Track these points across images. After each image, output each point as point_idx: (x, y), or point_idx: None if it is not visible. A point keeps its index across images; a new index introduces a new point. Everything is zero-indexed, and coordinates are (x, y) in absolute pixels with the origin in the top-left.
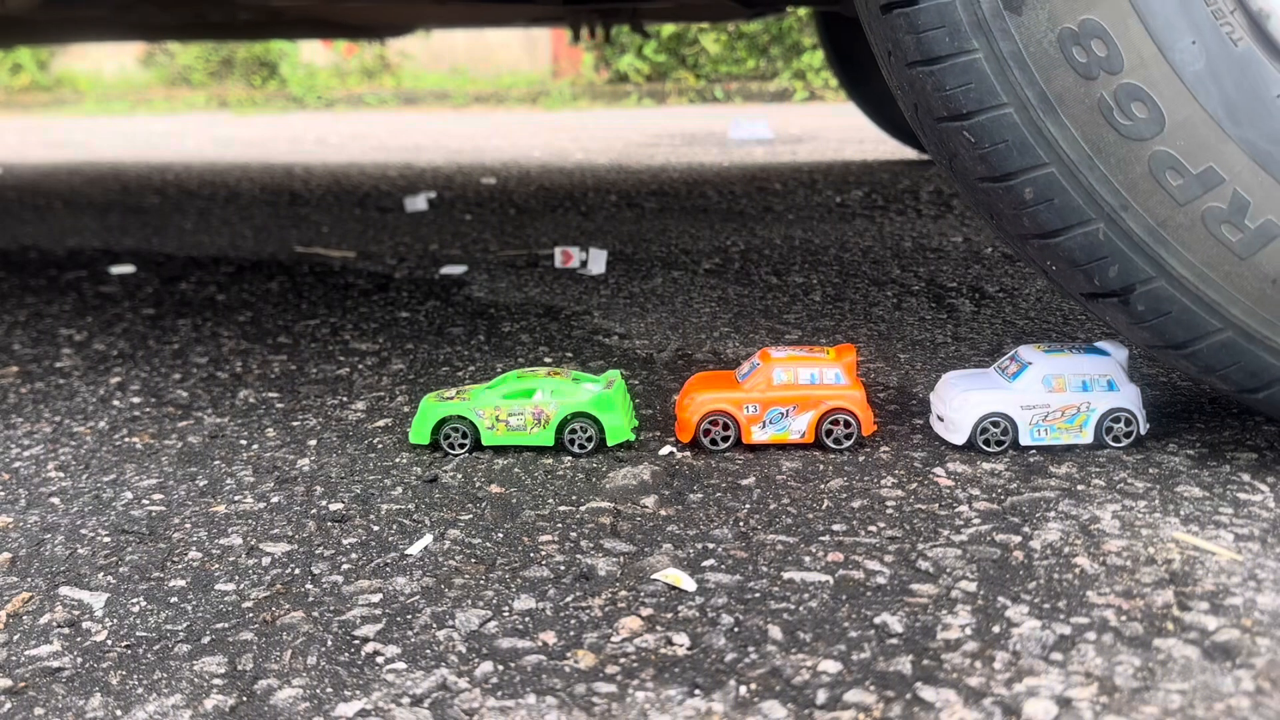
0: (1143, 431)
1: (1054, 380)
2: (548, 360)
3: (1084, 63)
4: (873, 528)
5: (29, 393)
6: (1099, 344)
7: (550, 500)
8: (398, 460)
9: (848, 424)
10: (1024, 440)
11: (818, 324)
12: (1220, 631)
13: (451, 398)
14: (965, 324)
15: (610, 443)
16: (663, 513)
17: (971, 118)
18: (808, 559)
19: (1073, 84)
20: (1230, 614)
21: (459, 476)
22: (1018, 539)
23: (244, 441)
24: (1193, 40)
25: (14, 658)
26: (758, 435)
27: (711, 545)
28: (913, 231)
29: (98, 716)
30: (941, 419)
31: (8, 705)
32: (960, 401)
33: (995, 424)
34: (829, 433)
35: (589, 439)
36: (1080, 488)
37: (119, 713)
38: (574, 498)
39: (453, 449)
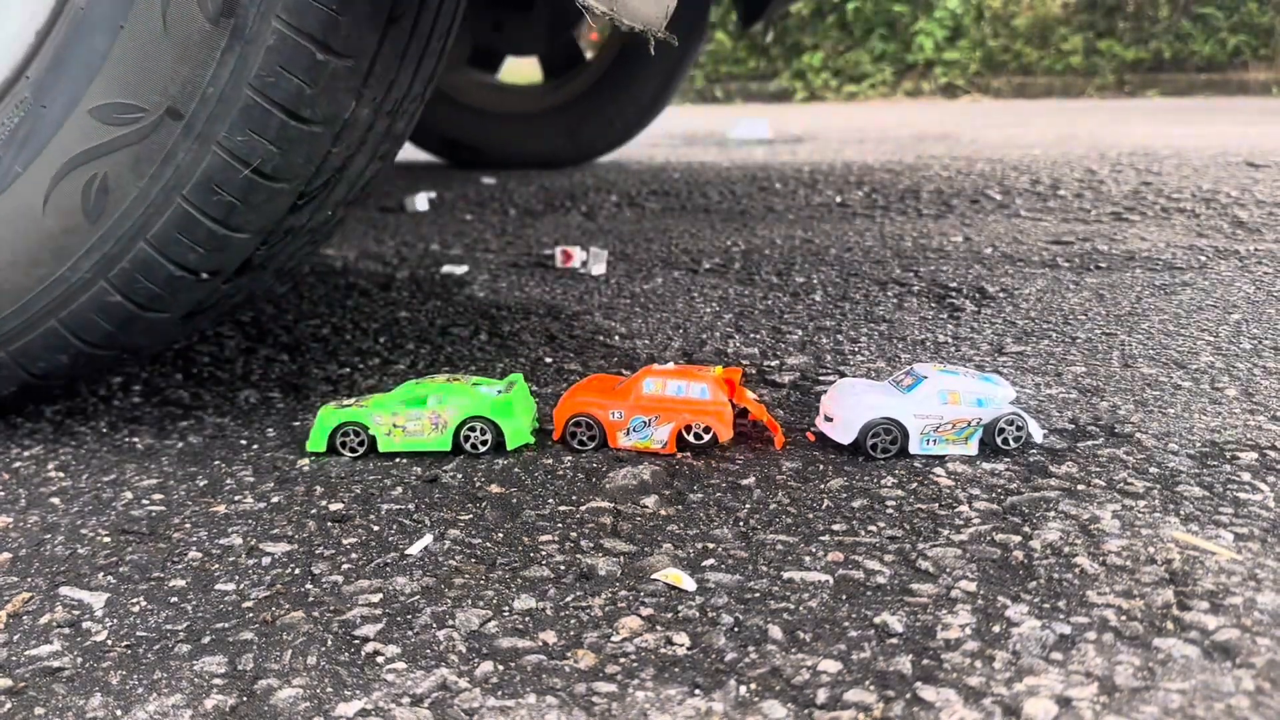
0: (1036, 439)
1: (949, 395)
2: (548, 360)
3: None
4: (873, 527)
5: None
6: (990, 375)
7: (550, 500)
8: (398, 460)
9: (705, 428)
10: (913, 449)
11: (819, 324)
12: (1220, 631)
13: (350, 405)
14: (966, 324)
15: (510, 447)
16: (663, 512)
17: None
18: (808, 559)
19: None
20: (1230, 613)
21: (459, 476)
22: (1018, 539)
23: (244, 441)
24: None
25: (14, 658)
26: (623, 441)
27: (712, 545)
28: (913, 231)
29: (98, 716)
30: (830, 419)
31: (8, 705)
32: (854, 402)
33: (887, 431)
34: (688, 429)
35: (485, 440)
36: (1080, 487)
37: (119, 713)
38: (574, 498)
39: (352, 451)
